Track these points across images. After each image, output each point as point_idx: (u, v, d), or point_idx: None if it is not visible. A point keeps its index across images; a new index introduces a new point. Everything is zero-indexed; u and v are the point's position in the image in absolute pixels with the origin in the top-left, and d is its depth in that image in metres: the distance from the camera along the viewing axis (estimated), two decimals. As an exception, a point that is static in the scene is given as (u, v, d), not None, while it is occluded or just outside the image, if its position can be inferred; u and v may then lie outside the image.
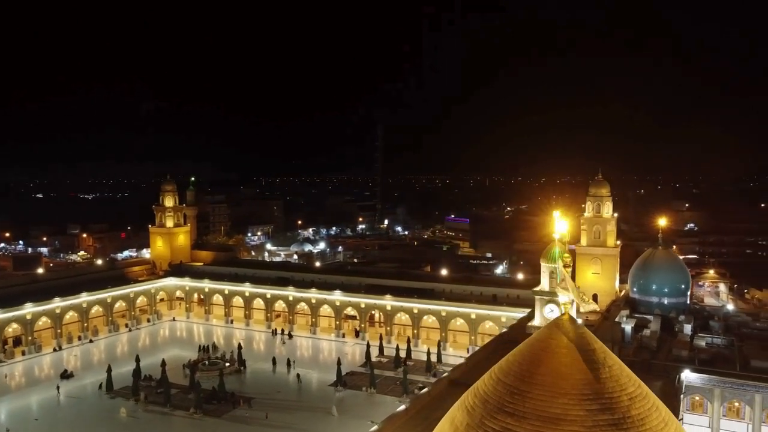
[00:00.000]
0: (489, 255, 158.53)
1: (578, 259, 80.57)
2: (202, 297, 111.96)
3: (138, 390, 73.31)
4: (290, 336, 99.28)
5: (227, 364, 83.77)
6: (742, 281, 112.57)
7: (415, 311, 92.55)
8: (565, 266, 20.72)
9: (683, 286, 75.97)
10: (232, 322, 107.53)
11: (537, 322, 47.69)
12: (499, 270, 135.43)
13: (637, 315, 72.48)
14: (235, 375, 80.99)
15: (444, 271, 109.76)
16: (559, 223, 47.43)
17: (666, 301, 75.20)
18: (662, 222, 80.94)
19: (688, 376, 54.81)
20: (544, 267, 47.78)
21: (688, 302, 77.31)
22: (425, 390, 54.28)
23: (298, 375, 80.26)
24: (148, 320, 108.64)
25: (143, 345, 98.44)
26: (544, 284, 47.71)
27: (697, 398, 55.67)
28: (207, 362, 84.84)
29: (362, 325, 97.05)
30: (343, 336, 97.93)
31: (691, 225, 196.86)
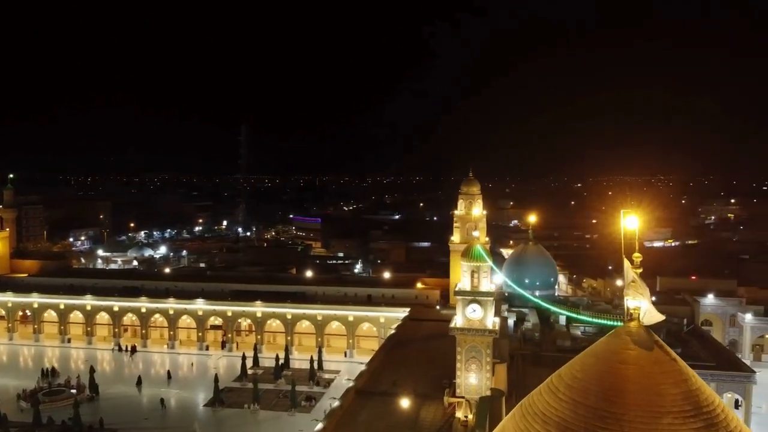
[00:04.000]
0: (341, 255, 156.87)
1: (452, 255, 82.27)
2: (28, 314, 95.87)
3: (-35, 434, 59.98)
4: (134, 351, 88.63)
5: (73, 391, 72.13)
6: (578, 272, 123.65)
7: (289, 317, 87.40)
8: (635, 267, 18.64)
9: (552, 279, 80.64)
10: (69, 341, 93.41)
11: (459, 322, 46.23)
12: (357, 269, 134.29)
13: (514, 308, 75.28)
14: (88, 403, 69.77)
15: (309, 273, 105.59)
16: (475, 227, 46.33)
17: (538, 294, 79.00)
18: (532, 219, 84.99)
19: (578, 365, 57.16)
20: (466, 266, 46.46)
21: (557, 294, 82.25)
22: (336, 404, 50.54)
23: (162, 400, 70.95)
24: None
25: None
26: (465, 284, 46.36)
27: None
28: (48, 391, 72.35)
29: (229, 336, 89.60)
30: (207, 348, 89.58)
31: (515, 222, 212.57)
